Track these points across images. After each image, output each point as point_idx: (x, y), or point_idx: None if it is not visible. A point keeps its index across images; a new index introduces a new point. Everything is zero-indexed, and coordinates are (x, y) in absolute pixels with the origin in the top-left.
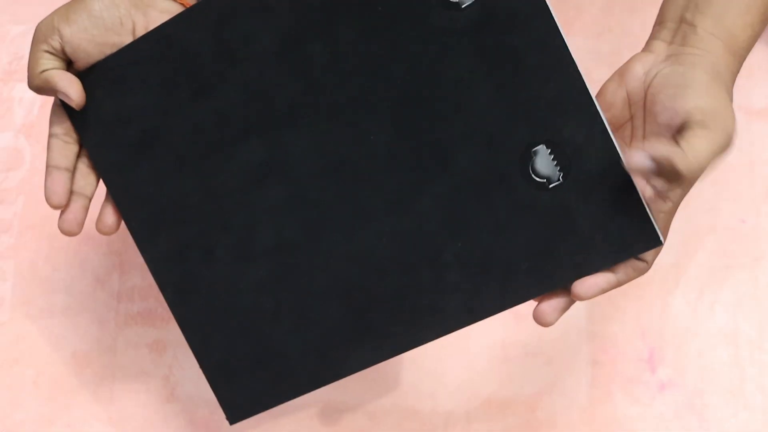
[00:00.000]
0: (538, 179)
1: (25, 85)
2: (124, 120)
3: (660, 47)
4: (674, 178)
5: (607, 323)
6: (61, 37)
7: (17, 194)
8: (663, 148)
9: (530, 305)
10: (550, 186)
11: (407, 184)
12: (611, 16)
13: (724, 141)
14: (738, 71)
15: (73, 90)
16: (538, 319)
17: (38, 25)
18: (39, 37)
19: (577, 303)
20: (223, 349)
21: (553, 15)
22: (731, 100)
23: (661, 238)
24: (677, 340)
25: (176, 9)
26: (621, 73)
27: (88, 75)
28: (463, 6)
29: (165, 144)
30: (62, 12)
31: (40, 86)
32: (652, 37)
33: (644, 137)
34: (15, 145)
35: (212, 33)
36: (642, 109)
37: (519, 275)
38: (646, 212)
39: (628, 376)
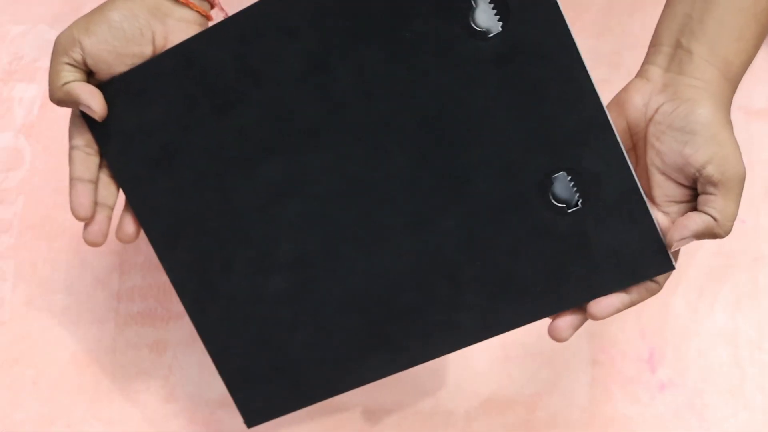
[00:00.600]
0: (557, 204)
1: (25, 84)
2: (144, 133)
3: (656, 74)
4: (712, 239)
5: (607, 323)
6: (82, 48)
7: (17, 194)
8: (699, 223)
9: None
10: (569, 211)
11: (427, 205)
12: (611, 16)
13: (741, 188)
14: (733, 96)
15: (96, 102)
16: (553, 335)
17: (57, 37)
18: (59, 49)
19: None
20: (241, 356)
21: (578, 48)
22: (731, 125)
23: (674, 263)
24: (677, 340)
25: (193, 17)
26: (619, 102)
27: (109, 87)
28: (489, 36)
29: (185, 158)
30: (82, 24)
31: (62, 99)
32: (647, 61)
33: (648, 168)
34: (15, 145)
35: (235, 52)
36: (643, 140)
37: (534, 295)
38: (660, 239)
39: (628, 376)
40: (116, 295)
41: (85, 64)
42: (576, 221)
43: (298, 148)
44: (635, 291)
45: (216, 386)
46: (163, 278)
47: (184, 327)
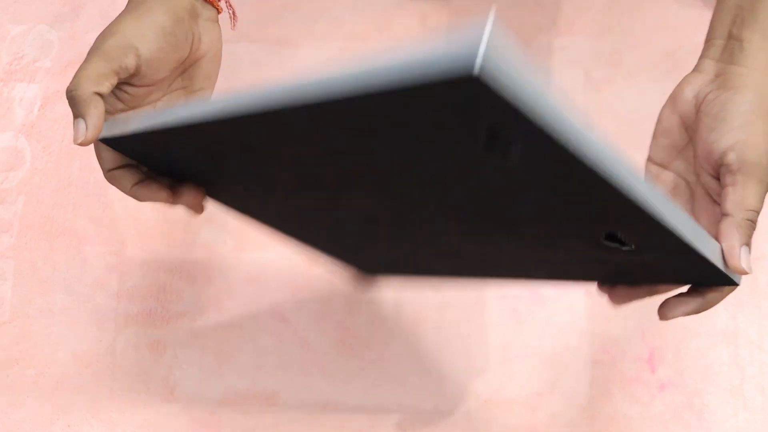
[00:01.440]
0: (611, 244)
1: (25, 84)
2: (178, 164)
3: (709, 66)
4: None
5: (607, 323)
6: (138, 55)
7: (17, 194)
8: (735, 234)
9: (530, 304)
10: (624, 248)
11: (475, 230)
12: (611, 16)
13: (761, 179)
14: None
15: (92, 135)
16: (611, 298)
17: (105, 41)
18: (109, 54)
19: (577, 303)
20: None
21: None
22: None
23: (737, 280)
24: (677, 340)
25: (215, 16)
26: (673, 97)
27: (124, 139)
28: (505, 157)
29: (223, 185)
30: (134, 28)
31: (78, 98)
32: (702, 56)
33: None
34: (15, 145)
35: (237, 141)
36: (696, 133)
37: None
38: (721, 271)
39: (628, 376)
40: (116, 295)
41: (131, 72)
42: (632, 254)
43: (330, 200)
44: (708, 292)
45: (216, 386)
46: (163, 278)
47: (184, 327)
